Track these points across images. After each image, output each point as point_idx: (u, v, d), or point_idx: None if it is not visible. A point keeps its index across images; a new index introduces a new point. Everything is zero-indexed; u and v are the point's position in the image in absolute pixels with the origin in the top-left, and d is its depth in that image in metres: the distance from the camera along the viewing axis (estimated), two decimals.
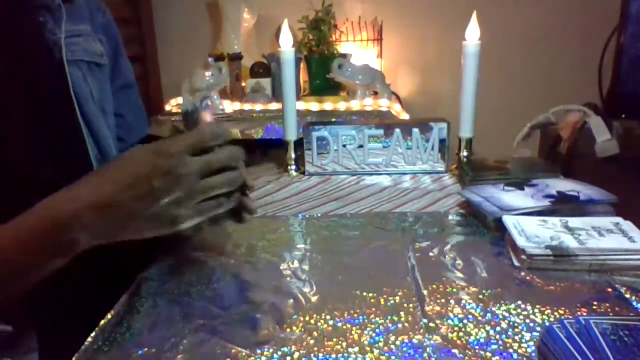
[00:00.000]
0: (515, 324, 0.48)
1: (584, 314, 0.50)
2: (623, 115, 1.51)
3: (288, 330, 0.49)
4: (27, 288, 0.51)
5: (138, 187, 0.50)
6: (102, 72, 0.74)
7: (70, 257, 0.50)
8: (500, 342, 0.46)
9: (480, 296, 0.53)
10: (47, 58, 0.64)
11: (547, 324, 0.48)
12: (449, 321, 0.49)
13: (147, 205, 0.50)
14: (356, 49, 2.10)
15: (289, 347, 0.46)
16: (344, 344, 0.46)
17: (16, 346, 0.54)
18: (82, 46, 0.70)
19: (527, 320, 0.49)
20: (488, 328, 0.48)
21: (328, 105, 1.86)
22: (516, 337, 0.46)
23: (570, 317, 0.49)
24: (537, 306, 0.51)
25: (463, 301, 0.53)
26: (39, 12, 0.64)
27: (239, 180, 0.56)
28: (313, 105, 1.85)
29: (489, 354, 0.44)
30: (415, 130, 0.97)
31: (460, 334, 0.47)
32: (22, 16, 0.63)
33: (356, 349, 0.45)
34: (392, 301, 0.53)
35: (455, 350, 0.45)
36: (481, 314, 0.50)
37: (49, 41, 0.64)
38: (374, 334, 0.47)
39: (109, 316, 0.52)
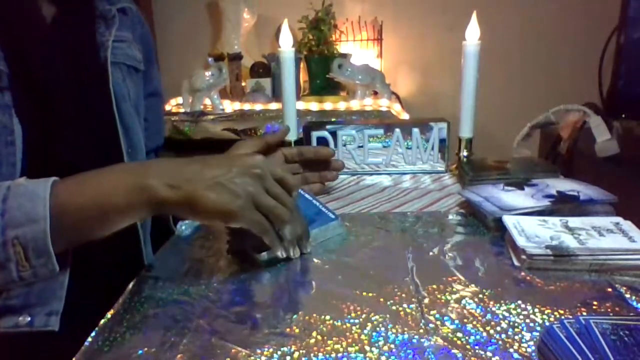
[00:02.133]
0: (515, 324, 0.48)
1: (584, 314, 0.50)
2: (623, 115, 1.51)
3: (288, 330, 0.49)
4: (103, 233, 0.55)
5: (217, 161, 0.57)
6: (138, 77, 0.81)
7: (148, 206, 0.53)
8: (500, 342, 0.46)
9: (480, 296, 0.53)
10: (94, 57, 0.71)
11: (547, 324, 0.48)
12: (449, 321, 0.49)
13: (216, 174, 0.54)
14: (356, 49, 2.11)
15: (289, 347, 0.46)
16: (344, 343, 0.46)
17: (40, 305, 0.55)
18: (124, 51, 0.77)
19: (527, 320, 0.49)
20: (488, 328, 0.48)
21: (328, 105, 1.86)
22: (516, 337, 0.46)
23: (570, 317, 0.49)
24: (537, 306, 0.51)
25: (463, 301, 0.53)
26: (95, 19, 0.73)
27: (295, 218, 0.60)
28: (313, 105, 1.85)
29: (489, 354, 0.44)
30: (415, 130, 0.97)
31: (460, 334, 0.47)
32: (79, 21, 0.71)
33: (356, 348, 0.45)
34: (392, 301, 0.53)
35: (455, 350, 0.45)
36: (481, 314, 0.50)
37: (98, 42, 0.72)
38: (373, 334, 0.47)
39: (108, 316, 0.52)
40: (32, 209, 0.49)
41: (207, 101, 1.88)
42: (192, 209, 0.54)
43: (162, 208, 0.54)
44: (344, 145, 0.98)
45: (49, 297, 0.55)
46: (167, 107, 1.97)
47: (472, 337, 0.47)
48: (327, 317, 0.50)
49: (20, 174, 0.61)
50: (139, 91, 0.81)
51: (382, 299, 0.53)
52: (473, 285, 0.56)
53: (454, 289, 0.55)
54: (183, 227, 0.73)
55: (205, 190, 0.53)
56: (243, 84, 2.03)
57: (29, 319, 0.54)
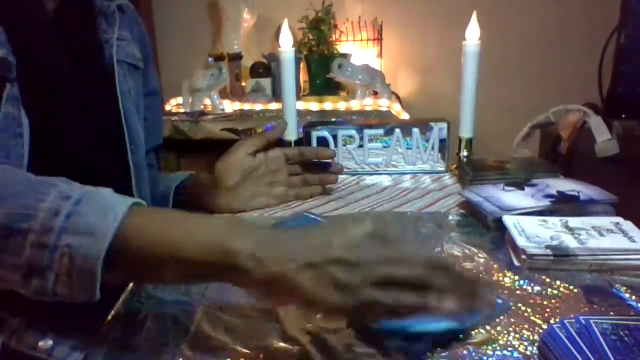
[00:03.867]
0: (515, 324, 0.48)
1: (584, 313, 0.50)
2: (623, 115, 1.51)
3: (288, 330, 0.49)
4: (164, 281, 0.52)
5: (317, 232, 0.46)
6: (138, 75, 0.82)
7: (222, 273, 0.44)
8: (500, 342, 0.46)
9: None
10: (99, 55, 0.72)
11: (547, 324, 0.48)
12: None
13: (311, 255, 0.43)
14: (356, 49, 2.10)
15: (289, 347, 0.46)
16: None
17: (73, 331, 0.50)
18: (125, 49, 0.78)
19: (527, 321, 0.49)
20: (488, 328, 0.48)
21: (328, 105, 1.86)
22: (516, 337, 0.46)
23: (571, 317, 0.49)
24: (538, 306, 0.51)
25: None
26: (96, 15, 0.74)
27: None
28: (313, 105, 1.85)
29: (489, 354, 0.44)
30: (415, 130, 0.97)
31: (460, 334, 0.47)
32: (80, 17, 0.72)
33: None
34: None
35: (455, 351, 0.45)
36: None
37: (102, 40, 0.73)
38: None
39: (109, 316, 0.52)
40: (99, 221, 0.43)
41: (207, 101, 1.88)
42: (277, 294, 0.44)
43: (240, 281, 0.44)
44: (344, 145, 0.98)
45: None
46: (167, 107, 1.97)
47: (472, 338, 0.47)
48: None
49: (27, 167, 0.61)
50: (138, 89, 0.81)
51: None
52: None
53: None
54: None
55: (297, 273, 0.42)
56: (243, 84, 2.03)
57: (51, 343, 0.48)
